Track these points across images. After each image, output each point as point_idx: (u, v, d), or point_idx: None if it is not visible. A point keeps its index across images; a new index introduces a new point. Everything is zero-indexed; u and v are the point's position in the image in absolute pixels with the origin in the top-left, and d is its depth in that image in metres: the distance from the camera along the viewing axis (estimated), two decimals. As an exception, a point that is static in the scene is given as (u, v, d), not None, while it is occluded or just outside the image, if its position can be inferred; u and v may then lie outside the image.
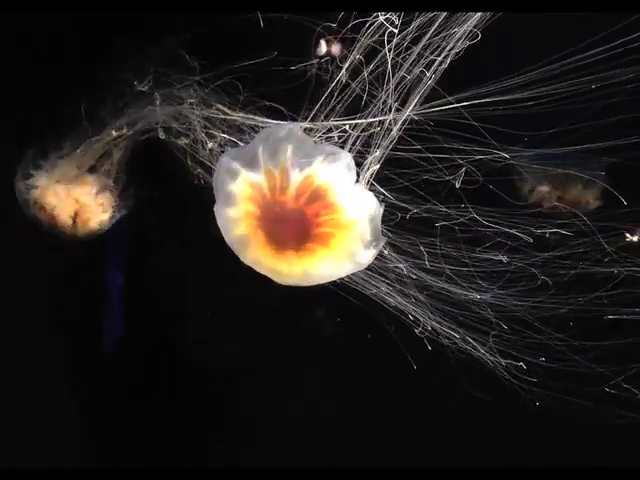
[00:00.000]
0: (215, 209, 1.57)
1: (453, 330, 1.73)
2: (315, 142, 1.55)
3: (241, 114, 1.62)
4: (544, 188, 1.84)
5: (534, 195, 1.84)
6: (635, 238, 1.58)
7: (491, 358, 1.71)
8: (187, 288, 2.09)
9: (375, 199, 1.54)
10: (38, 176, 1.72)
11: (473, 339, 1.72)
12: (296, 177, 1.49)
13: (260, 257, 1.58)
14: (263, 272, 1.61)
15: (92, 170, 1.78)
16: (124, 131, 1.68)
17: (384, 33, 1.50)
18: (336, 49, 1.62)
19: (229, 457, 2.17)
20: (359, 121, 1.57)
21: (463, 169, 1.59)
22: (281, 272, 1.58)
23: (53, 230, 1.77)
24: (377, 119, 1.55)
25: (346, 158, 1.51)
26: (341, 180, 1.50)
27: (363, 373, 2.01)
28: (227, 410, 2.17)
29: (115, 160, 1.75)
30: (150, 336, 2.12)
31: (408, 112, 1.53)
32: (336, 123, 1.57)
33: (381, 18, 1.51)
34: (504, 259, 1.66)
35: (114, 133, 1.68)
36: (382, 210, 1.54)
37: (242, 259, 1.61)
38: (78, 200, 1.74)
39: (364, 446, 2.08)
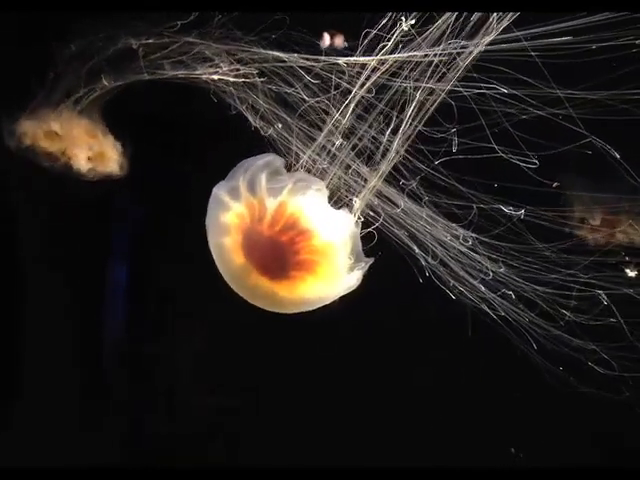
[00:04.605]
0: (210, 241, 1.60)
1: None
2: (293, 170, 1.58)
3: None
4: (595, 222, 1.69)
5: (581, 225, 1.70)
6: (633, 274, 1.58)
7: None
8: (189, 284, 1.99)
9: (350, 219, 1.53)
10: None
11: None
12: (271, 206, 1.52)
13: (256, 286, 1.59)
14: (261, 304, 1.62)
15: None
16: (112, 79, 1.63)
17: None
18: (339, 41, 1.50)
19: (230, 457, 2.08)
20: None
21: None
22: (275, 300, 1.59)
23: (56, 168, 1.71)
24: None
25: (316, 183, 1.53)
26: (311, 206, 1.51)
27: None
28: (228, 409, 2.05)
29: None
30: (152, 333, 2.05)
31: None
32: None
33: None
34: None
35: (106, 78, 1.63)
36: (359, 229, 1.53)
37: (239, 290, 1.62)
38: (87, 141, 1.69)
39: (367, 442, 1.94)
